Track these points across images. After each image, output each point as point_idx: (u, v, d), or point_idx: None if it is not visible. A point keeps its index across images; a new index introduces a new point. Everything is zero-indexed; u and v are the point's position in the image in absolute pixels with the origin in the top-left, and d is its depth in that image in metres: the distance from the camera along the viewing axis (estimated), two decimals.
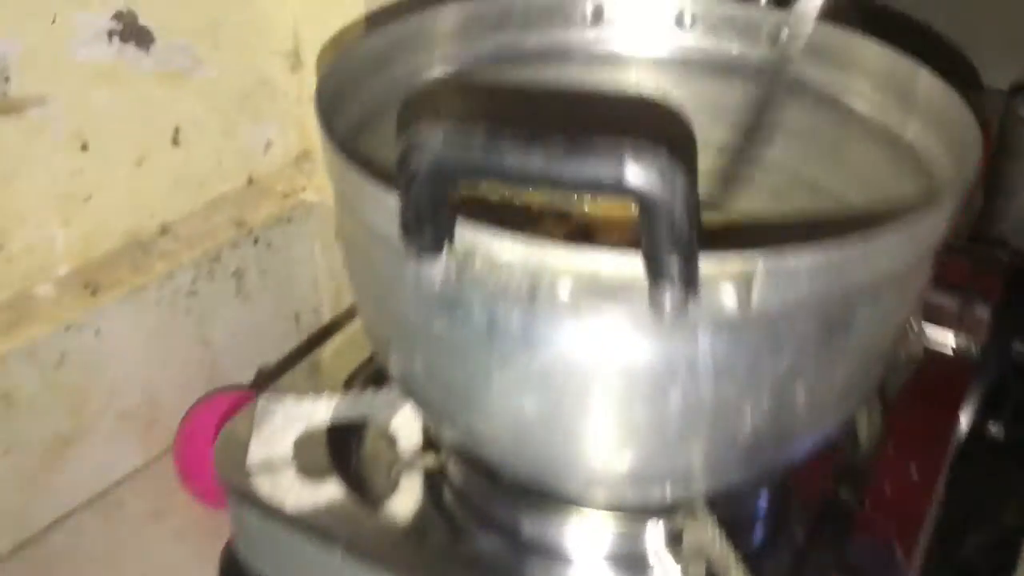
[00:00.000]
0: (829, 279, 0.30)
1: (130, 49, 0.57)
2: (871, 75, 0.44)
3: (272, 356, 0.70)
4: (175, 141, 0.61)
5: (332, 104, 0.38)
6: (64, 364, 0.56)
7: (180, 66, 0.60)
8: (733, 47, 0.48)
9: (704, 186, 0.50)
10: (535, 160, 0.24)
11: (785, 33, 0.45)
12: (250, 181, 0.67)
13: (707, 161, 0.50)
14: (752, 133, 0.48)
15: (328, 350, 0.48)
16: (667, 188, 0.24)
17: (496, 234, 0.29)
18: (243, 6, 0.62)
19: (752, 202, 0.50)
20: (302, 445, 0.42)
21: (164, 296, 0.61)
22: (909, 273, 0.34)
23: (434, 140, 0.25)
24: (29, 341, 0.55)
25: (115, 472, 0.61)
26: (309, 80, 0.67)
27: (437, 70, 0.45)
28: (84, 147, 0.56)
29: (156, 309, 0.60)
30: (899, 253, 0.31)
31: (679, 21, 0.48)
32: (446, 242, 0.28)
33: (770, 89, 0.46)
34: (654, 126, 0.45)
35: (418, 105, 0.41)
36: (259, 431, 0.42)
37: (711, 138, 0.50)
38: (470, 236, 0.29)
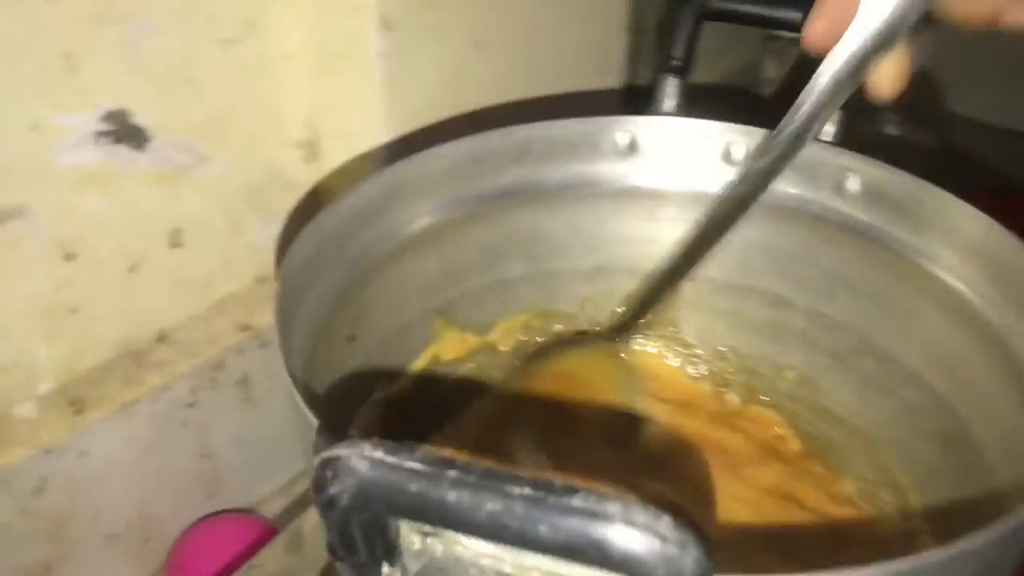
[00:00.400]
0: None
1: (122, 150, 0.51)
2: (958, 241, 0.36)
3: (282, 463, 0.64)
4: (174, 243, 0.56)
5: (301, 282, 0.32)
6: (44, 490, 0.52)
7: (180, 164, 0.54)
8: (790, 187, 0.41)
9: (754, 341, 0.44)
10: (486, 504, 0.18)
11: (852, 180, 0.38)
12: (259, 280, 0.61)
13: (757, 312, 0.43)
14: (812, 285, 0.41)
15: (311, 518, 0.42)
16: (671, 569, 0.17)
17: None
18: (251, 96, 0.56)
19: (809, 363, 0.43)
20: None
21: (159, 410, 0.56)
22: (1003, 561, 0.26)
23: (357, 464, 0.19)
24: (5, 467, 0.50)
25: None
26: (326, 170, 0.61)
27: (428, 219, 0.39)
28: (69, 257, 0.51)
29: (150, 425, 0.55)
30: (984, 554, 0.24)
31: (727, 156, 0.41)
32: (384, 560, 0.22)
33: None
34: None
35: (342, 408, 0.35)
36: None
37: (763, 287, 0.43)
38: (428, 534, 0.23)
